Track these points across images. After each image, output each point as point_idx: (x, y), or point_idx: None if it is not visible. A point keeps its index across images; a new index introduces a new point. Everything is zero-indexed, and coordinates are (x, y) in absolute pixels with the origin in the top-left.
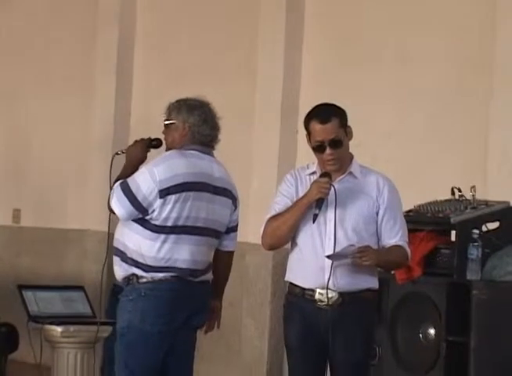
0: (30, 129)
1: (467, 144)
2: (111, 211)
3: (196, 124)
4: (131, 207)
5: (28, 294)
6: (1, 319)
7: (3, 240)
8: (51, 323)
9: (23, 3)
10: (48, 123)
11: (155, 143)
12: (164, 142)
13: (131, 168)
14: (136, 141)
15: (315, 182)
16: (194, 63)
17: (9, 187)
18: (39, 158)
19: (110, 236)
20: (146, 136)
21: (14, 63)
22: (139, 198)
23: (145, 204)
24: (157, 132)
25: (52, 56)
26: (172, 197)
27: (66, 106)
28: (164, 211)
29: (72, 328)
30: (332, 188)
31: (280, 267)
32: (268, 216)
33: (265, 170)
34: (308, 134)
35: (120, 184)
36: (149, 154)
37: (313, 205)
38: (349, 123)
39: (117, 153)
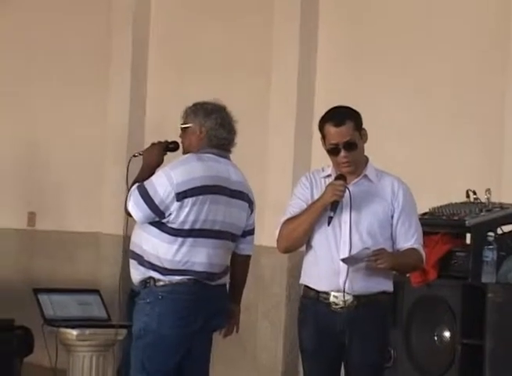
0: (45, 132)
1: (482, 147)
2: (128, 214)
3: (213, 127)
4: (149, 211)
5: (43, 298)
6: (17, 323)
7: (18, 243)
8: (66, 327)
9: (37, 5)
10: (62, 126)
11: (172, 147)
12: (180, 145)
13: (149, 171)
14: (153, 144)
15: (330, 184)
16: (208, 66)
17: (24, 190)
18: (54, 161)
19: (126, 239)
20: (160, 138)
21: (28, 66)
22: (156, 201)
23: (162, 208)
24: (172, 134)
25: (67, 59)
26: (189, 200)
27: (81, 109)
28: (181, 215)
29: (87, 331)
30: (347, 191)
31: (295, 270)
32: (284, 219)
33: (280, 173)
34: (323, 137)
35: (138, 187)
36: (165, 157)
37: (328, 208)
38: (365, 125)
39: (134, 156)
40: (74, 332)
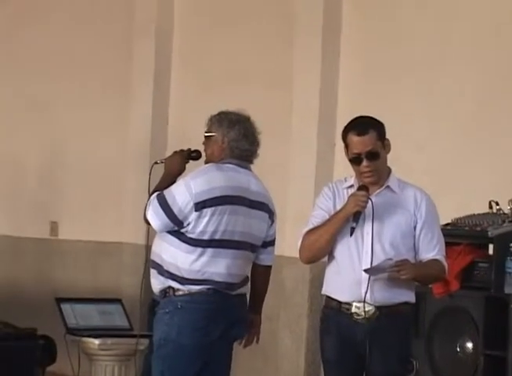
0: (67, 141)
1: (505, 157)
2: (147, 222)
3: (236, 138)
4: (167, 220)
5: (66, 307)
6: (39, 332)
7: (41, 252)
8: (88, 336)
9: (60, 16)
10: (84, 135)
11: (194, 155)
12: (203, 153)
13: (170, 179)
14: (175, 152)
15: (352, 195)
16: (230, 75)
17: (46, 200)
18: (76, 170)
19: (148, 248)
20: (183, 147)
21: (51, 75)
22: (175, 211)
23: (180, 217)
24: (194, 143)
25: (89, 68)
26: (208, 211)
27: (103, 118)
28: (199, 225)
29: (110, 341)
30: (369, 201)
31: (317, 280)
32: (306, 230)
33: (302, 183)
34: (346, 146)
35: (157, 196)
36: (187, 166)
37: (350, 219)
38: (387, 135)
39: (156, 163)
40: (96, 341)
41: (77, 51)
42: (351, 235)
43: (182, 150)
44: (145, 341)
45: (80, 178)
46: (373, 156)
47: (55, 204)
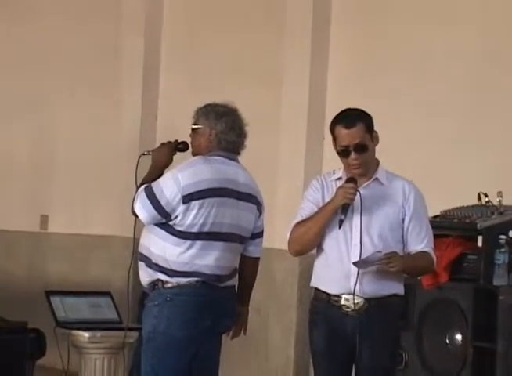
0: (57, 136)
1: (494, 150)
2: (135, 214)
3: (223, 131)
4: (155, 212)
5: (55, 300)
6: (29, 325)
7: (31, 246)
8: (78, 329)
9: (49, 13)
10: (74, 130)
11: (181, 147)
12: (190, 146)
13: (157, 171)
14: (163, 144)
15: (340, 187)
16: (220, 69)
17: (37, 193)
18: (66, 164)
19: (136, 241)
20: (172, 139)
21: (40, 71)
22: (162, 203)
23: (168, 209)
24: (183, 137)
25: (79, 64)
26: (196, 203)
27: (93, 113)
28: (187, 217)
29: (99, 334)
30: (358, 194)
31: (307, 273)
32: (294, 222)
33: (291, 176)
34: (334, 139)
35: (145, 188)
36: (175, 158)
37: (339, 211)
38: (376, 127)
39: (143, 154)
40: (86, 334)
41: (67, 47)
42: (339, 227)
43: (169, 142)
44: (134, 334)
45: (70, 172)
46: (361, 148)
47: (46, 198)
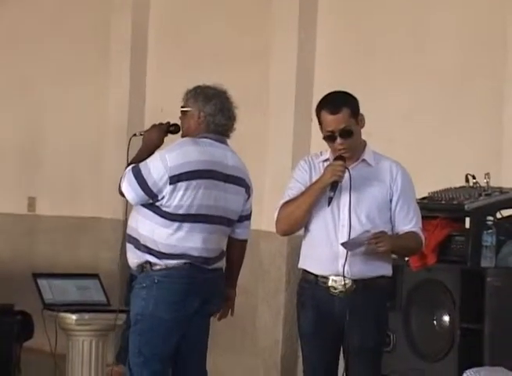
0: (45, 118)
1: (482, 131)
2: (122, 194)
3: (212, 113)
4: (142, 192)
5: (43, 283)
6: (17, 308)
7: (18, 228)
8: (66, 311)
9: None
10: (62, 111)
11: (173, 129)
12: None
13: (147, 152)
14: (154, 125)
15: (329, 165)
16: (208, 50)
17: (24, 175)
18: (54, 146)
19: (125, 223)
20: (160, 122)
21: (27, 53)
22: (149, 183)
23: (155, 190)
24: (171, 119)
25: (66, 45)
26: (183, 184)
27: (81, 94)
28: (174, 198)
29: (87, 316)
30: (347, 172)
31: (295, 254)
32: (282, 202)
33: (279, 158)
34: (320, 123)
35: (132, 168)
36: (165, 140)
37: (327, 189)
38: (364, 109)
39: (134, 135)
40: (74, 317)
41: (54, 27)
42: (328, 205)
43: (160, 124)
44: (122, 316)
45: (57, 154)
46: (346, 133)
47: (33, 180)
